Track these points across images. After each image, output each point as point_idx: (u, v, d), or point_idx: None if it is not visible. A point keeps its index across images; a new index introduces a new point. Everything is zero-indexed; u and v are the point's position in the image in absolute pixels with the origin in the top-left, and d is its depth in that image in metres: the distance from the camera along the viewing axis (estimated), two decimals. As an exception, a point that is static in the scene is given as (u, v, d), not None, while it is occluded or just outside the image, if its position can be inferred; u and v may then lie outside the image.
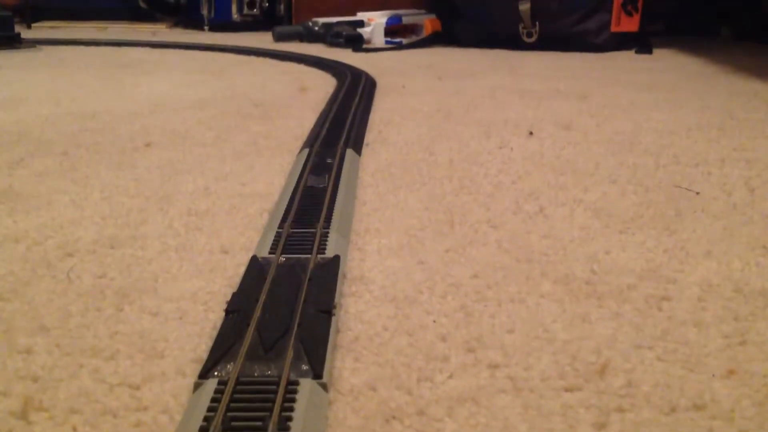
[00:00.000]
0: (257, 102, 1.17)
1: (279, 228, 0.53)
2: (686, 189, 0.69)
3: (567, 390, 0.35)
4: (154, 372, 0.36)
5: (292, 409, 0.31)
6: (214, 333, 0.39)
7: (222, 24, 2.92)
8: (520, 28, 2.09)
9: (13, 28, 2.03)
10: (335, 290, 0.43)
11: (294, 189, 0.62)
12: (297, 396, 0.32)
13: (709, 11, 2.49)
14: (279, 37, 2.40)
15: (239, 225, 0.58)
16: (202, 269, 0.49)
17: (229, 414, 0.30)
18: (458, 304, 0.44)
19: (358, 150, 0.81)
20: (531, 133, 0.93)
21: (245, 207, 0.63)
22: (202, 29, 2.94)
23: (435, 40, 2.31)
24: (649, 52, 2.01)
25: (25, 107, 1.10)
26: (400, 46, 2.23)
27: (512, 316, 0.43)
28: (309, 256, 0.47)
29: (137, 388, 0.35)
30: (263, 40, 2.40)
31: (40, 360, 0.37)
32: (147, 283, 0.47)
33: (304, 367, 0.34)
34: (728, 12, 2.47)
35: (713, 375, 0.36)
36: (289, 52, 1.93)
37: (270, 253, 0.49)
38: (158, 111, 1.08)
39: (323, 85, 1.38)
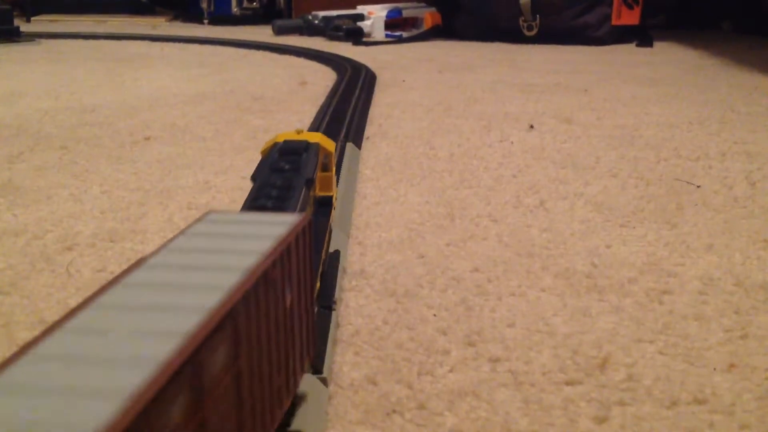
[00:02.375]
0: (257, 96, 1.16)
1: (279, 222, 0.53)
2: (687, 182, 0.68)
3: (568, 384, 0.35)
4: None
5: (292, 405, 0.31)
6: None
7: (222, 17, 2.91)
8: (521, 21, 2.09)
9: (12, 22, 2.02)
10: (335, 285, 0.43)
11: (294, 183, 0.62)
12: (297, 391, 0.32)
13: (710, 4, 2.49)
14: (279, 31, 2.39)
15: (239, 219, 0.58)
16: (202, 263, 0.49)
17: None
18: (459, 298, 0.44)
19: (358, 144, 0.81)
20: (531, 127, 0.93)
21: (245, 201, 0.63)
22: (202, 23, 2.93)
23: (435, 33, 2.30)
24: (650, 45, 2.01)
25: (24, 101, 1.10)
26: (400, 40, 2.23)
27: (513, 310, 0.43)
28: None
29: (137, 382, 0.35)
30: (263, 33, 2.39)
31: (40, 354, 0.37)
32: (147, 277, 0.47)
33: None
34: (729, 5, 2.47)
35: (714, 369, 0.36)
36: (289, 46, 1.93)
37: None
38: (158, 105, 1.08)
39: (323, 79, 1.37)
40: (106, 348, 0.18)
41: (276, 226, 0.27)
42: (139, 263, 0.23)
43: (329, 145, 0.49)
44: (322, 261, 0.41)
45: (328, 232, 0.46)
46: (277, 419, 0.25)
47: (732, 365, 0.37)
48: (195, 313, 0.19)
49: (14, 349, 0.38)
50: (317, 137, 0.48)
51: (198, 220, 0.28)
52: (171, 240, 0.25)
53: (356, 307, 0.43)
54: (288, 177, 0.39)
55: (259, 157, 0.48)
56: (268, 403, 0.24)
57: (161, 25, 2.93)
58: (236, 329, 0.21)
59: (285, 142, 0.46)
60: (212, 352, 0.19)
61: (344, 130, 0.83)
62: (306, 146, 0.45)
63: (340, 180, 0.63)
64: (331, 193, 0.50)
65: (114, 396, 0.15)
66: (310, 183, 0.39)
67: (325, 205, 0.49)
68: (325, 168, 0.50)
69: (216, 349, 0.19)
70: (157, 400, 0.16)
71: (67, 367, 0.17)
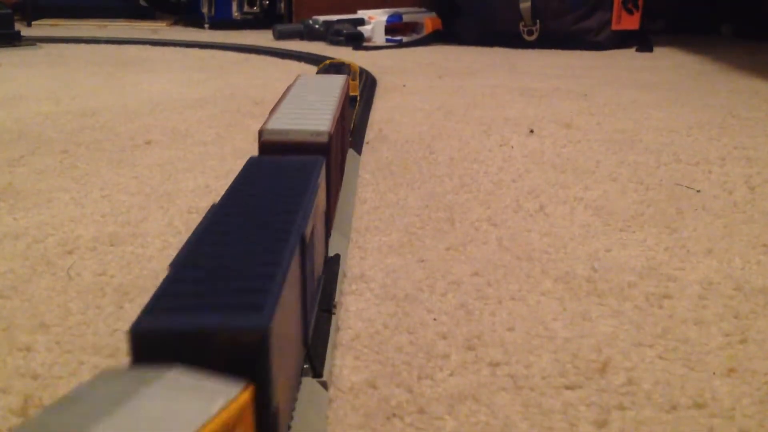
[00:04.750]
0: (258, 100, 1.17)
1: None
2: (687, 187, 0.68)
3: (567, 388, 0.35)
4: (154, 370, 0.36)
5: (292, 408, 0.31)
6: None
7: (222, 22, 2.92)
8: (521, 26, 2.09)
9: (13, 26, 2.02)
10: (335, 289, 0.43)
11: (294, 186, 0.63)
12: (297, 395, 0.32)
13: (710, 9, 2.49)
14: (279, 36, 2.39)
15: (239, 223, 0.58)
16: (203, 267, 0.49)
17: None
18: (459, 302, 0.44)
19: (358, 148, 0.81)
20: (531, 132, 0.93)
21: (245, 205, 0.63)
22: (203, 27, 2.94)
23: (435, 38, 2.31)
24: (650, 50, 2.01)
25: (25, 105, 1.10)
26: (400, 45, 2.23)
27: (513, 314, 0.43)
28: (309, 253, 0.48)
29: (137, 385, 0.35)
30: (264, 38, 2.40)
31: (40, 357, 0.37)
32: (147, 281, 0.47)
33: (305, 365, 0.34)
34: (729, 10, 2.47)
35: (714, 373, 0.36)
36: (290, 51, 1.93)
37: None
38: (158, 109, 1.08)
39: (323, 83, 1.37)
40: (312, 109, 0.50)
41: (341, 76, 0.65)
42: (285, 93, 0.56)
43: (356, 66, 0.99)
44: (353, 118, 0.87)
45: (356, 111, 0.94)
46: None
47: (731, 369, 0.37)
48: (334, 97, 0.54)
49: (14, 352, 0.38)
50: (349, 61, 0.97)
51: (295, 80, 0.63)
52: (292, 84, 0.60)
53: (356, 311, 0.43)
54: (337, 72, 0.84)
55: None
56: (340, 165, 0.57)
57: (162, 29, 2.93)
58: (341, 121, 0.54)
59: (332, 61, 0.95)
60: (340, 113, 0.51)
61: (344, 135, 0.84)
62: (343, 62, 0.95)
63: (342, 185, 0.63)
64: (356, 94, 0.97)
65: (328, 112, 0.49)
66: (346, 84, 0.70)
67: (352, 100, 0.93)
68: (353, 78, 0.95)
69: (339, 116, 0.50)
70: (339, 113, 0.51)
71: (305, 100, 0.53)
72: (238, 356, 0.21)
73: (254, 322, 0.21)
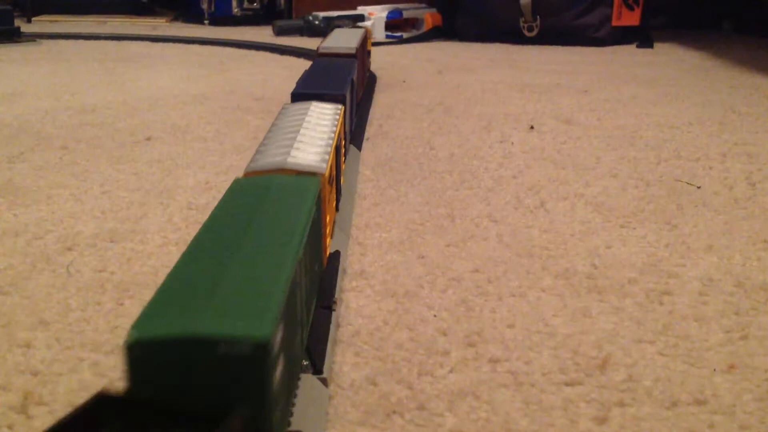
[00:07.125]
0: (257, 96, 1.16)
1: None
2: (687, 183, 0.68)
3: (568, 384, 0.35)
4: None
5: (292, 404, 0.31)
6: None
7: (222, 18, 2.91)
8: (521, 22, 2.09)
9: (12, 22, 2.02)
10: (335, 285, 0.43)
11: (294, 183, 0.64)
12: (297, 391, 0.32)
13: (710, 5, 2.49)
14: (279, 32, 2.39)
15: (239, 219, 0.58)
16: (202, 263, 0.49)
17: None
18: (459, 298, 0.44)
19: (358, 144, 0.81)
20: (532, 128, 0.93)
21: (245, 201, 0.62)
22: (203, 23, 2.93)
23: (435, 34, 2.30)
24: (650, 46, 2.01)
25: (24, 101, 1.10)
26: (400, 41, 2.23)
27: (513, 310, 0.43)
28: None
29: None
30: (263, 34, 2.39)
31: (40, 354, 0.37)
32: (147, 277, 0.47)
33: (305, 362, 0.34)
34: (729, 6, 2.47)
35: (714, 370, 0.36)
36: (290, 47, 1.93)
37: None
38: (158, 105, 1.08)
39: (323, 80, 1.37)
40: (345, 40, 1.03)
41: (361, 29, 1.19)
42: (328, 34, 1.12)
43: (370, 30, 1.29)
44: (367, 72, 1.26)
45: (369, 60, 1.26)
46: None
47: (732, 366, 0.37)
48: (358, 36, 1.08)
49: (14, 349, 0.38)
50: (366, 27, 1.24)
51: (329, 34, 1.14)
52: (329, 36, 1.11)
53: (356, 307, 0.43)
54: (357, 29, 1.17)
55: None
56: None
57: (162, 25, 2.92)
58: (362, 48, 1.06)
59: (354, 25, 1.58)
60: (362, 43, 1.04)
61: (344, 131, 0.84)
62: (362, 26, 1.36)
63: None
64: (370, 49, 1.25)
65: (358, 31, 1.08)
66: (365, 33, 0.98)
67: (368, 54, 1.25)
68: (369, 38, 1.25)
69: (361, 44, 1.02)
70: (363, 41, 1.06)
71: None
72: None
73: (340, 91, 0.59)
